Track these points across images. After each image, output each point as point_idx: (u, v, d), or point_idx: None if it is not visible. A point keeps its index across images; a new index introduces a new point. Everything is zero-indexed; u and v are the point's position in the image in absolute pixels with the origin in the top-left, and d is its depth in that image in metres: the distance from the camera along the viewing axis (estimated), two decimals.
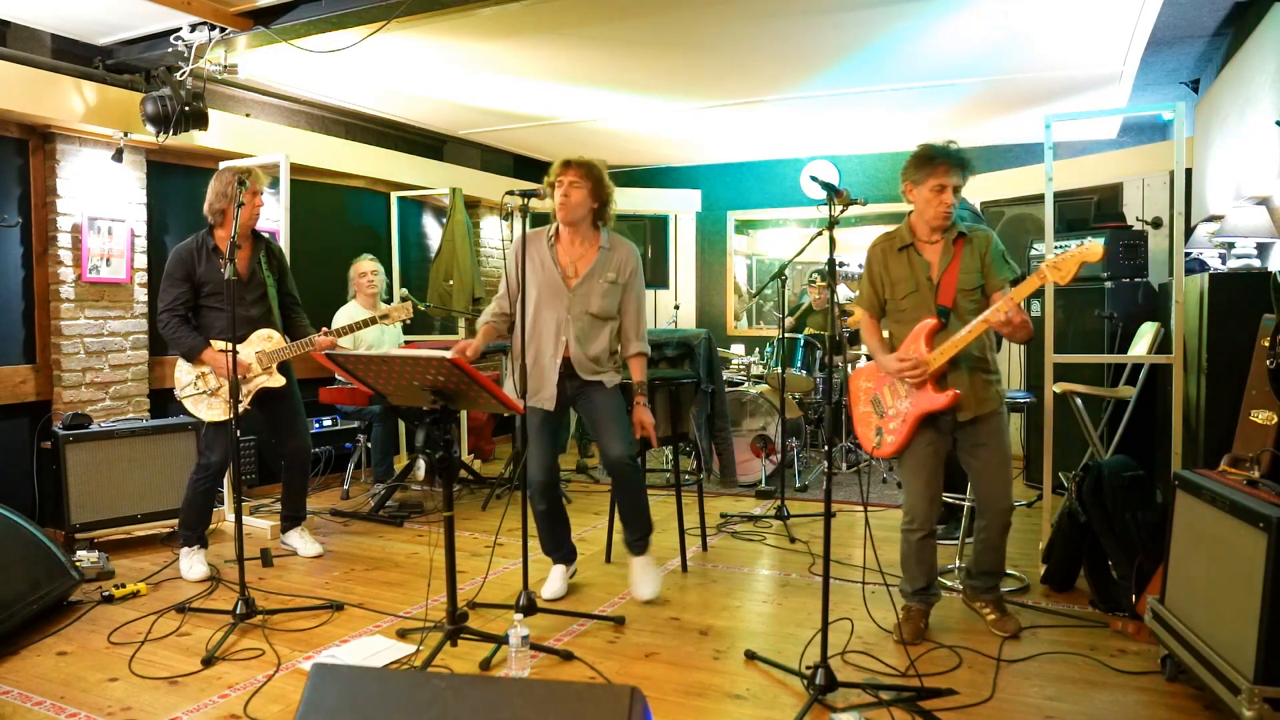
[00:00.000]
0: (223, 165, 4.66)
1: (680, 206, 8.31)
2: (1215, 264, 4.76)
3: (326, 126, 6.11)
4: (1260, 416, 2.92)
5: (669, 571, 3.95)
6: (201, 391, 3.79)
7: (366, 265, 5.42)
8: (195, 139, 4.72)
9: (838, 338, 4.16)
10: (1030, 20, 4.27)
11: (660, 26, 4.43)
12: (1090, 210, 5.69)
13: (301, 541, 4.22)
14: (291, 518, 4.24)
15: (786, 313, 5.51)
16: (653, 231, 7.99)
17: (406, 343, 5.79)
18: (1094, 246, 2.70)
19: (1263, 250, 4.45)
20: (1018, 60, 4.96)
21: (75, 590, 3.48)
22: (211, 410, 3.78)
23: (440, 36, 4.49)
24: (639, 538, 3.52)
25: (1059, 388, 3.88)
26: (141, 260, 4.79)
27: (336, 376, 4.97)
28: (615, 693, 1.23)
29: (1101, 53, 4.76)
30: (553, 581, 3.57)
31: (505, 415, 6.45)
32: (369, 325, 4.20)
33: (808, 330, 6.32)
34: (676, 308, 7.75)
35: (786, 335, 5.50)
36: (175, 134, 4.38)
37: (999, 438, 3.05)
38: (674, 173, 8.51)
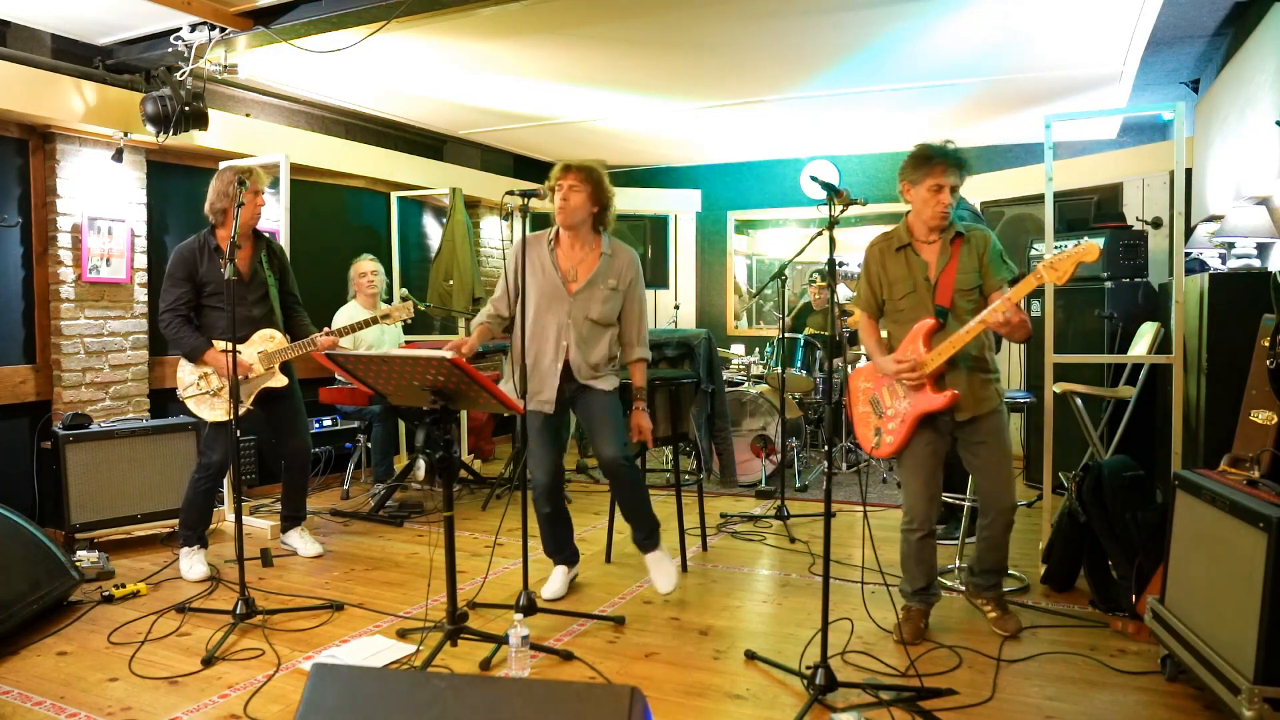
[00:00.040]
0: (224, 165, 4.65)
1: (680, 206, 8.32)
2: (1215, 264, 4.75)
3: (326, 126, 6.11)
4: (1260, 416, 2.92)
5: None
6: (204, 392, 3.79)
7: (366, 265, 5.43)
8: (195, 139, 4.72)
9: (838, 338, 4.16)
10: (1030, 20, 4.27)
11: (660, 26, 4.43)
12: (1090, 210, 5.69)
13: (301, 541, 4.22)
14: (291, 518, 4.24)
15: (786, 313, 5.51)
16: (653, 231, 7.99)
17: (406, 343, 5.79)
18: (1090, 247, 2.70)
19: (1263, 250, 4.45)
20: (1018, 60, 4.96)
21: (75, 590, 3.48)
22: (214, 410, 3.78)
23: (440, 36, 4.49)
24: (646, 535, 3.52)
25: (1059, 388, 3.88)
26: (141, 260, 4.79)
27: (336, 376, 4.98)
28: (615, 693, 1.23)
29: (1101, 53, 4.76)
30: (553, 582, 3.57)
31: (505, 415, 6.46)
32: (371, 325, 4.20)
33: (808, 330, 6.32)
34: (676, 308, 7.75)
35: (786, 336, 5.50)
36: (175, 134, 4.38)
37: (999, 436, 3.05)
38: (674, 173, 8.52)
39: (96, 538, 4.13)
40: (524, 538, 3.22)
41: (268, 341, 3.88)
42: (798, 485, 5.60)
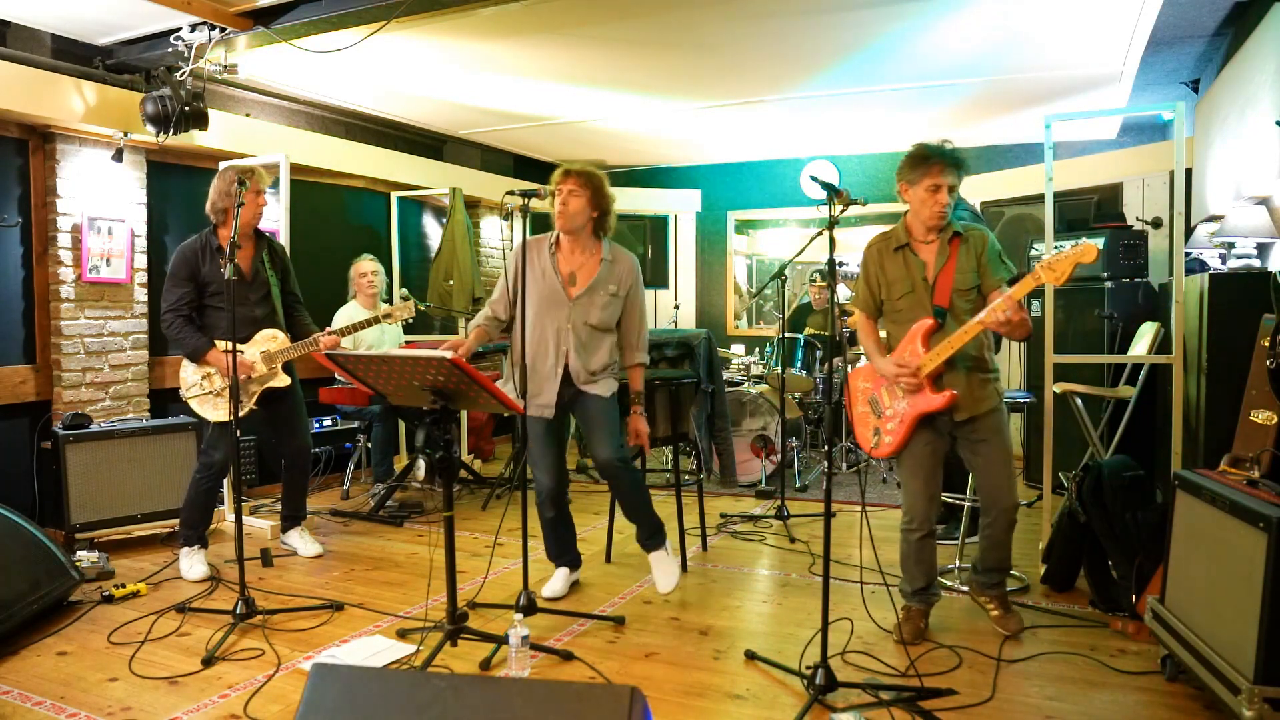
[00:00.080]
0: (226, 165, 4.66)
1: (680, 206, 8.32)
2: (1215, 264, 4.75)
3: (326, 126, 6.11)
4: (1260, 416, 2.92)
5: None
6: (207, 392, 3.79)
7: (367, 265, 5.43)
8: (195, 139, 4.73)
9: (838, 338, 4.16)
10: (1030, 20, 4.27)
11: (660, 26, 4.43)
12: (1090, 210, 5.69)
13: (301, 541, 4.22)
14: (291, 517, 4.24)
15: (785, 313, 5.52)
16: (653, 231, 7.98)
17: (406, 343, 5.79)
18: (1088, 248, 2.69)
19: (1263, 250, 4.45)
20: (1018, 60, 4.96)
21: (75, 590, 3.48)
22: (217, 410, 3.78)
23: (440, 36, 4.49)
24: (649, 535, 3.52)
25: (1059, 388, 3.88)
26: (141, 260, 4.79)
27: (336, 376, 4.98)
28: (615, 693, 1.23)
29: (1101, 53, 4.76)
30: (554, 582, 3.57)
31: (505, 415, 6.46)
32: (373, 324, 4.21)
33: (808, 330, 6.32)
34: (676, 308, 7.76)
35: (786, 336, 5.50)
36: (175, 134, 4.38)
37: (999, 434, 3.04)
38: (674, 173, 8.52)
39: (96, 538, 4.13)
40: (524, 538, 3.22)
41: (270, 341, 3.88)
42: (798, 485, 5.60)
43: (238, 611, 3.20)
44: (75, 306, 4.47)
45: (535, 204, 3.12)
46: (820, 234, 3.58)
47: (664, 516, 4.83)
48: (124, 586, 3.59)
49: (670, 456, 4.42)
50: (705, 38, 4.60)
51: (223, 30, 4.11)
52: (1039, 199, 5.18)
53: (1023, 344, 5.80)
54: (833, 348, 3.35)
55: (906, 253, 3.07)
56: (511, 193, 3.19)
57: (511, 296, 3.38)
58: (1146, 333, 4.26)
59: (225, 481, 4.41)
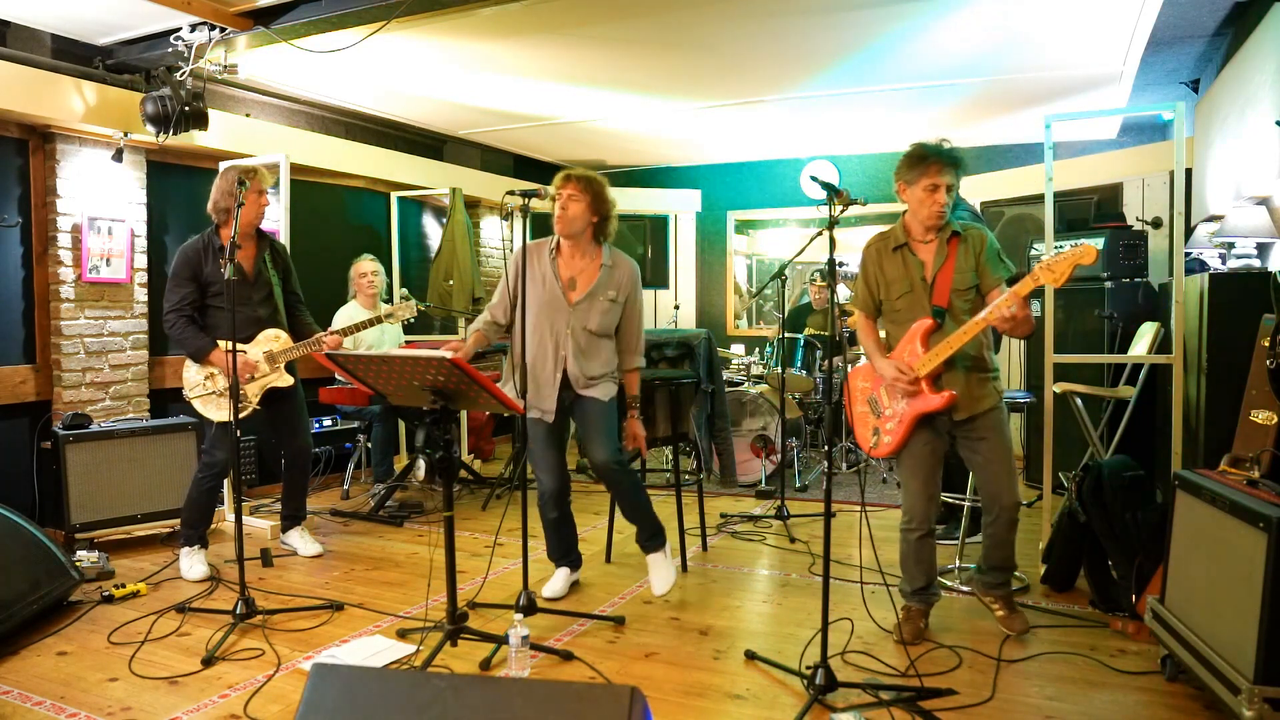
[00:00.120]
0: (228, 164, 4.65)
1: (680, 206, 8.32)
2: (1215, 264, 4.76)
3: (326, 126, 6.11)
4: (1260, 416, 2.92)
5: None
6: (210, 392, 3.79)
7: (367, 265, 5.43)
8: (195, 139, 4.73)
9: (838, 338, 4.16)
10: (1030, 20, 4.28)
11: (661, 26, 4.43)
12: (1090, 210, 5.69)
13: (302, 541, 4.22)
14: (291, 517, 4.25)
15: (784, 313, 5.52)
16: (653, 231, 7.98)
17: (406, 343, 5.80)
18: (1087, 249, 2.68)
19: (1263, 250, 4.45)
20: (1018, 60, 4.96)
21: (75, 590, 3.48)
22: (220, 410, 3.78)
23: (440, 36, 4.49)
24: (649, 537, 3.52)
25: (1059, 388, 3.88)
26: (141, 260, 4.79)
27: (336, 376, 4.98)
28: (615, 693, 1.23)
29: (1101, 53, 4.76)
30: (555, 581, 3.57)
31: (505, 415, 6.46)
32: (375, 324, 4.21)
33: (808, 330, 6.32)
34: (676, 308, 7.76)
35: (786, 336, 5.50)
36: (175, 134, 4.38)
37: (999, 432, 3.03)
38: (674, 173, 8.52)
39: (96, 538, 4.13)
40: (524, 538, 3.22)
41: (273, 341, 3.89)
42: (798, 485, 5.60)
43: (238, 611, 3.20)
44: (75, 306, 4.47)
45: (535, 204, 3.12)
46: (820, 234, 3.58)
47: (664, 517, 4.82)
48: (124, 586, 3.59)
49: (670, 456, 4.42)
50: (705, 38, 4.60)
51: (223, 30, 4.11)
52: (1039, 199, 5.19)
53: (1023, 344, 5.80)
54: (833, 348, 3.34)
55: (905, 252, 3.07)
56: (511, 193, 3.19)
57: (511, 301, 3.38)
58: (1146, 333, 4.26)
59: (225, 482, 4.41)
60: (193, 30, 4.14)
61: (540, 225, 7.98)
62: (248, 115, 5.45)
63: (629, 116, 6.38)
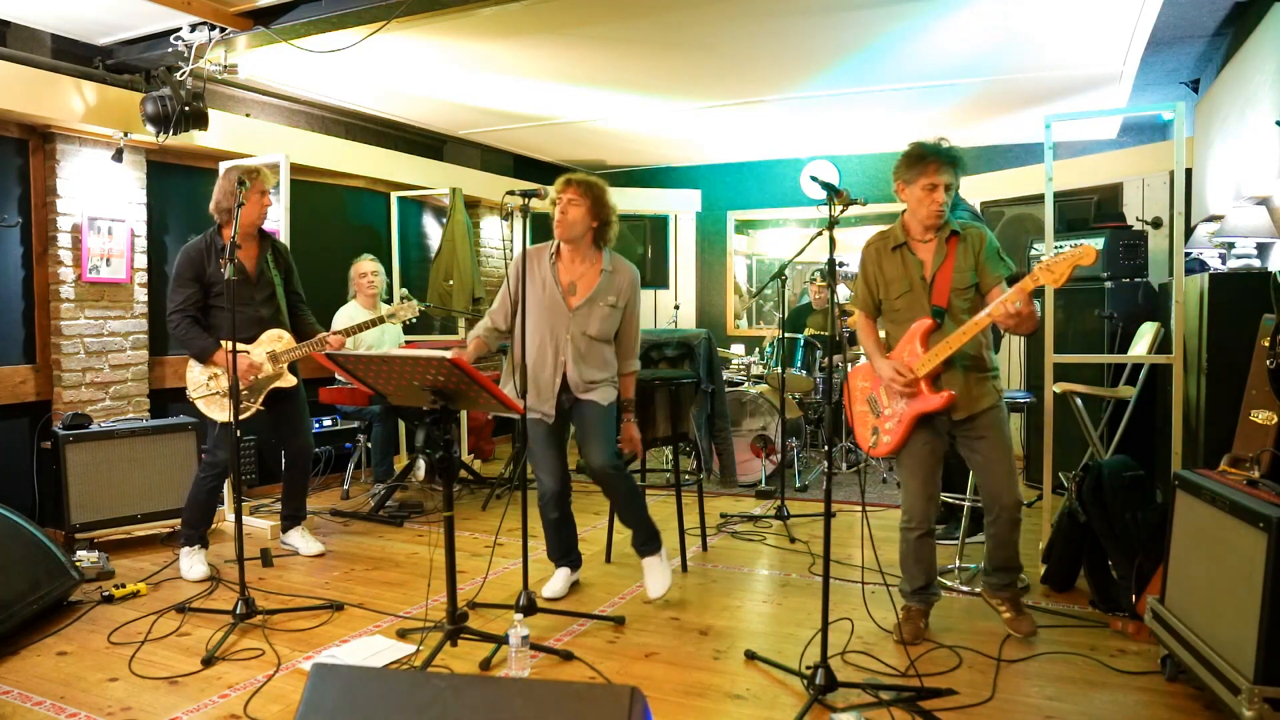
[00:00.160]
0: (231, 164, 4.65)
1: (680, 206, 8.32)
2: (1215, 264, 4.76)
3: (326, 126, 6.11)
4: (1260, 416, 2.92)
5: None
6: (214, 393, 3.79)
7: (367, 265, 5.43)
8: (195, 139, 4.73)
9: (838, 338, 4.16)
10: (1030, 20, 4.28)
11: (660, 26, 4.43)
12: (1090, 210, 5.70)
13: (303, 541, 4.22)
14: (291, 517, 4.25)
15: (784, 313, 5.52)
16: (653, 231, 7.98)
17: (406, 343, 5.80)
18: (1087, 250, 2.67)
19: (1263, 250, 4.45)
20: (1018, 60, 4.96)
21: (75, 590, 3.48)
22: (224, 411, 3.78)
23: (440, 36, 4.49)
24: (644, 541, 3.52)
25: (1059, 388, 3.88)
26: (141, 260, 4.79)
27: (336, 376, 4.98)
28: (615, 693, 1.23)
29: (1101, 53, 4.76)
30: (555, 581, 3.57)
31: (505, 415, 6.46)
32: (378, 324, 4.21)
33: (808, 330, 6.32)
34: (676, 308, 7.76)
35: (786, 336, 5.50)
36: (175, 134, 4.38)
37: (998, 430, 3.01)
38: (674, 173, 8.52)
39: (96, 538, 4.13)
40: (524, 538, 3.22)
41: (276, 342, 3.89)
42: (798, 485, 5.60)
43: (238, 611, 3.20)
44: (75, 306, 4.47)
45: (535, 204, 3.12)
46: (820, 234, 3.58)
47: (664, 516, 4.83)
48: (124, 586, 3.59)
49: (670, 456, 4.42)
50: (705, 38, 4.60)
51: (223, 30, 4.11)
52: (1039, 199, 5.19)
53: (1023, 345, 5.80)
54: (833, 348, 3.33)
55: (904, 252, 3.06)
56: (511, 193, 3.20)
57: (512, 305, 3.39)
58: (1146, 333, 4.26)
59: (226, 482, 4.41)
60: (193, 30, 4.14)
61: (540, 225, 7.99)
62: (248, 115, 5.45)
63: (629, 116, 6.38)
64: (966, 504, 3.86)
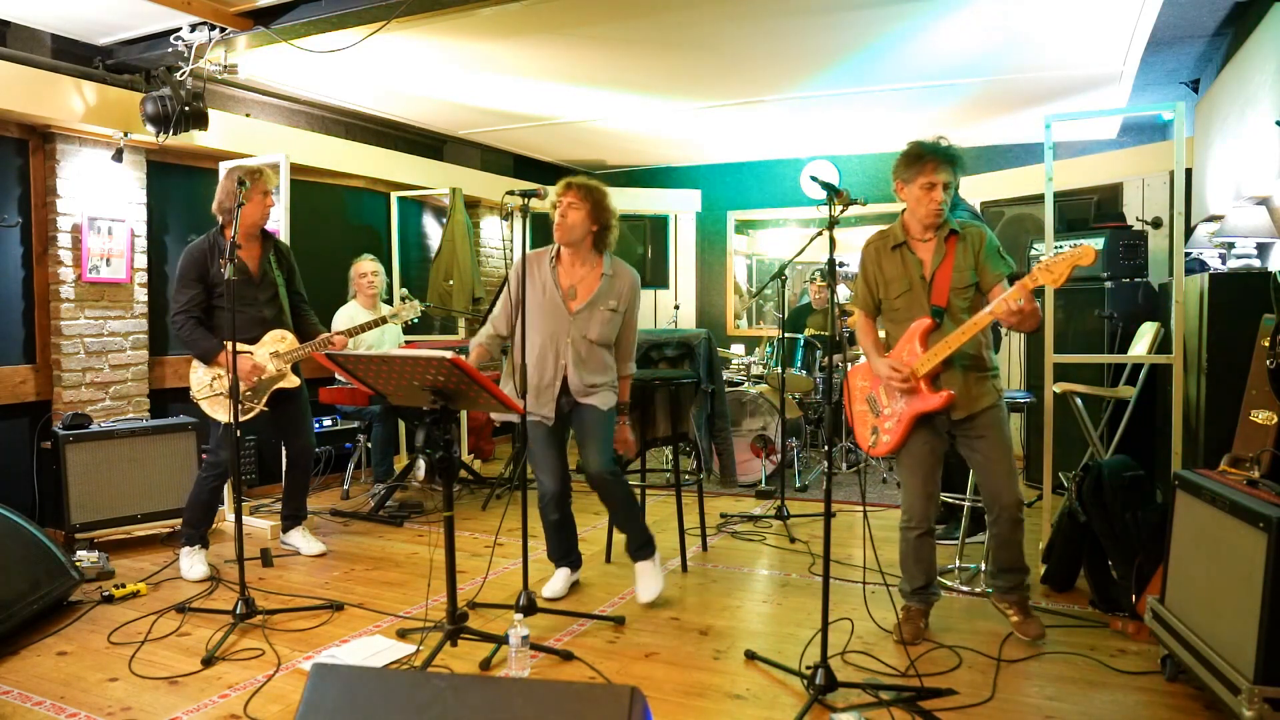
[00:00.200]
0: (233, 165, 4.65)
1: (680, 206, 8.32)
2: (1215, 264, 4.76)
3: (326, 126, 6.11)
4: (1260, 416, 2.92)
5: (669, 571, 3.95)
6: (218, 393, 3.79)
7: (367, 265, 5.43)
8: (195, 139, 4.73)
9: (837, 338, 4.16)
10: (1030, 20, 4.28)
11: (660, 26, 4.43)
12: (1090, 210, 5.70)
13: (304, 541, 4.22)
14: (292, 517, 4.25)
15: (784, 313, 5.52)
16: (653, 231, 7.99)
17: (406, 343, 5.80)
18: (1086, 250, 2.66)
19: (1263, 250, 4.45)
20: (1018, 60, 4.96)
21: (75, 590, 3.48)
22: (229, 411, 3.78)
23: (440, 36, 4.49)
24: (638, 547, 3.53)
25: (1059, 388, 3.88)
26: (141, 260, 4.79)
27: (336, 376, 4.98)
28: (615, 693, 1.23)
29: (1101, 53, 4.76)
30: (555, 581, 3.57)
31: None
32: (380, 324, 4.21)
33: (808, 330, 6.32)
34: (676, 308, 7.75)
35: (786, 336, 5.50)
36: (175, 134, 4.38)
37: (997, 430, 3.00)
38: (674, 173, 8.52)
39: (96, 538, 4.13)
40: (524, 538, 3.22)
41: (279, 342, 3.89)
42: (798, 485, 5.60)
43: (238, 611, 3.20)
44: (75, 306, 4.47)
45: (535, 204, 3.12)
46: (820, 234, 3.58)
47: (664, 516, 4.83)
48: (124, 586, 3.59)
49: (670, 456, 4.42)
50: (705, 38, 4.60)
51: (223, 30, 4.11)
52: (1039, 199, 5.19)
53: (1023, 345, 5.80)
54: (833, 348, 3.33)
55: (904, 251, 3.06)
56: (511, 193, 3.20)
57: (512, 311, 3.39)
58: (1146, 333, 4.26)
59: (227, 482, 4.41)
60: (193, 30, 4.14)
61: (540, 225, 7.99)
62: (248, 115, 5.45)
63: (629, 116, 6.38)
64: (966, 504, 3.86)
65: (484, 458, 6.77)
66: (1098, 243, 4.82)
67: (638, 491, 4.44)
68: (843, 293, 6.33)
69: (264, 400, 3.86)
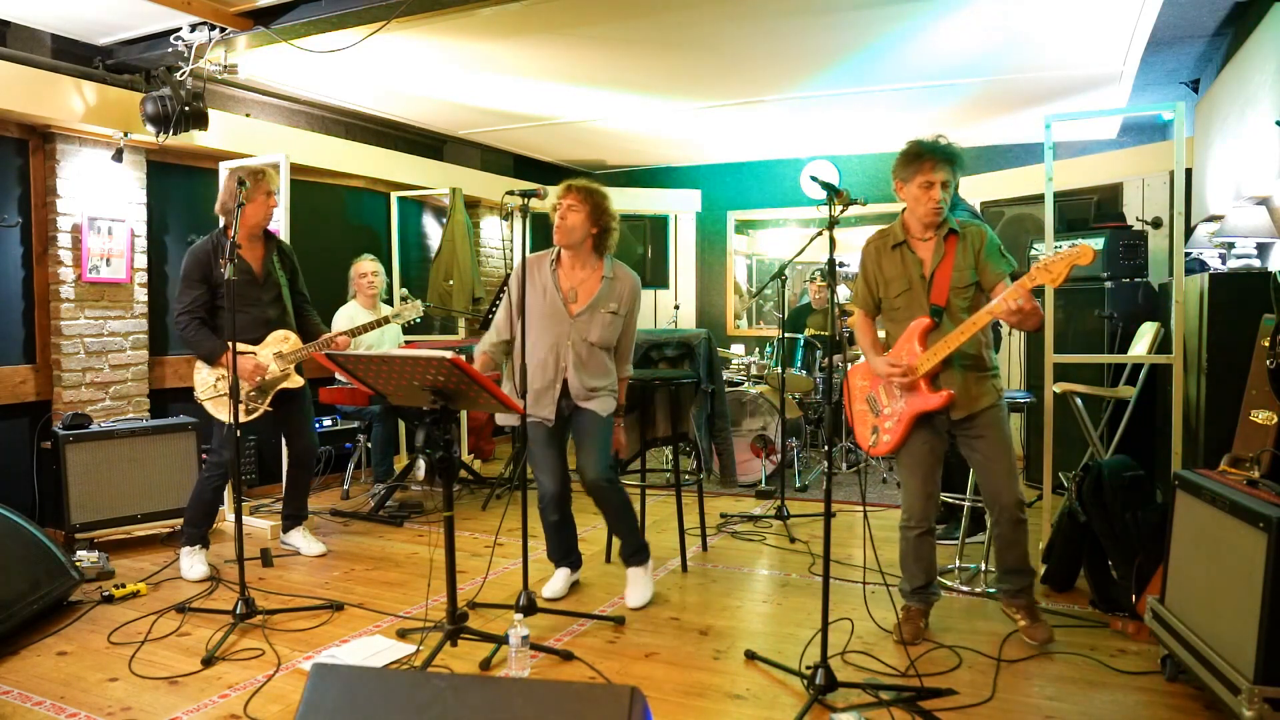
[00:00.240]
0: (236, 164, 4.64)
1: (680, 206, 8.32)
2: (1215, 264, 4.76)
3: (326, 126, 6.11)
4: (1260, 416, 2.92)
5: (669, 571, 3.96)
6: (222, 394, 3.79)
7: (367, 265, 5.43)
8: (195, 139, 4.73)
9: (837, 338, 4.16)
10: (1030, 20, 4.27)
11: (660, 26, 4.43)
12: (1090, 210, 5.70)
13: (305, 541, 4.22)
14: (293, 517, 4.25)
15: (784, 313, 5.52)
16: (653, 231, 7.99)
17: (406, 343, 5.80)
18: (1084, 249, 2.65)
19: (1263, 250, 4.46)
20: (1018, 60, 4.96)
21: (75, 590, 3.48)
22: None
23: (440, 36, 4.49)
24: (632, 553, 3.54)
25: (1059, 388, 3.88)
26: (141, 260, 4.79)
27: (336, 376, 4.98)
28: (615, 693, 1.23)
29: (1101, 53, 4.76)
30: (555, 581, 3.57)
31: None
32: (383, 324, 4.21)
33: (808, 330, 6.32)
34: (676, 308, 7.75)
35: (786, 336, 5.50)
36: (175, 134, 4.38)
37: (996, 430, 2.99)
38: (674, 173, 8.52)
39: (96, 538, 4.13)
40: (524, 538, 3.22)
41: (282, 343, 3.90)
42: (798, 485, 5.60)
43: (238, 611, 3.20)
44: (75, 306, 4.47)
45: (535, 204, 3.12)
46: (820, 234, 3.58)
47: (664, 516, 4.84)
48: (124, 586, 3.59)
49: (670, 456, 4.42)
50: (705, 38, 4.60)
51: (223, 30, 4.11)
52: (1039, 199, 5.19)
53: (1023, 345, 5.80)
54: (833, 348, 3.33)
55: (904, 250, 3.06)
56: (511, 193, 3.20)
57: (513, 316, 3.38)
58: (1146, 333, 4.26)
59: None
60: (193, 30, 4.14)
61: (540, 225, 7.99)
62: (248, 115, 5.45)
63: (629, 116, 6.38)
64: (966, 504, 3.86)
65: (484, 458, 6.77)
66: (1097, 243, 4.82)
67: (638, 491, 4.46)
68: (843, 293, 6.34)
69: (268, 400, 3.86)
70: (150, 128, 4.34)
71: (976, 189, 6.60)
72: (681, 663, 2.94)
